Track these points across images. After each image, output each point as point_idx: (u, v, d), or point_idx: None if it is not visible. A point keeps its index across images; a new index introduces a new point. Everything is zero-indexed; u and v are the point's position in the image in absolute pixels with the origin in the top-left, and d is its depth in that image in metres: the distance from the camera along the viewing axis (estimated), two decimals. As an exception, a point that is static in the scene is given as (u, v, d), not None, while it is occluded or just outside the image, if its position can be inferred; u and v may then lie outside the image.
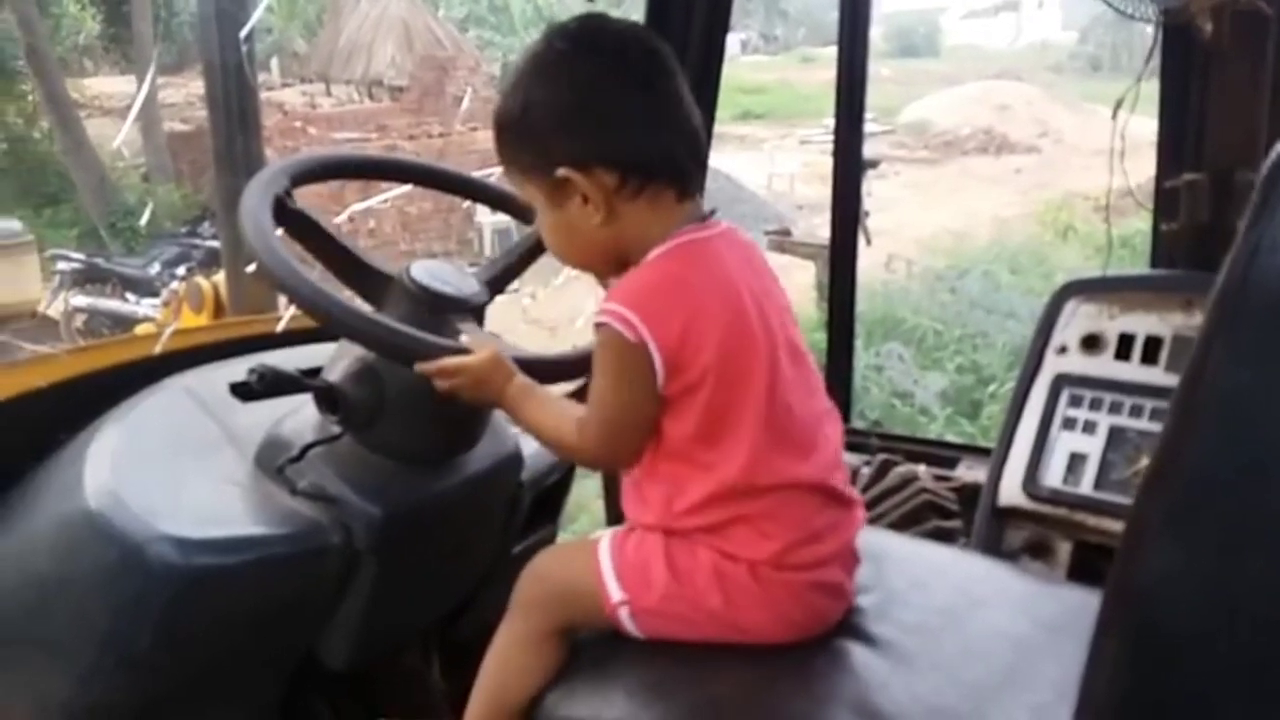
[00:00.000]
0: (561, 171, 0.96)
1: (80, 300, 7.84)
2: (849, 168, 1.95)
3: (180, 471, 1.17)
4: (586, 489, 2.32)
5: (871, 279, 6.36)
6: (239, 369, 1.33)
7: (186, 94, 12.67)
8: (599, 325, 0.95)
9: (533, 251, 1.28)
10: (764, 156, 13.01)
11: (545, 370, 1.11)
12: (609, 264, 1.03)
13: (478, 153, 11.57)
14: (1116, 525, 1.42)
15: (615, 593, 0.98)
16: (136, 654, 1.07)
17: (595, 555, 1.01)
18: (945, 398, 5.16)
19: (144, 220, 9.33)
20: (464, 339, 1.07)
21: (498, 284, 1.25)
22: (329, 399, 1.13)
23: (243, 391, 1.08)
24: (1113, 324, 1.51)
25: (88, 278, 8.01)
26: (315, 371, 1.17)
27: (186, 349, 1.40)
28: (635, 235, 0.98)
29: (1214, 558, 0.56)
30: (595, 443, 0.98)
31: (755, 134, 15.80)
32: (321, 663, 1.22)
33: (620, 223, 0.98)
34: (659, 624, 0.98)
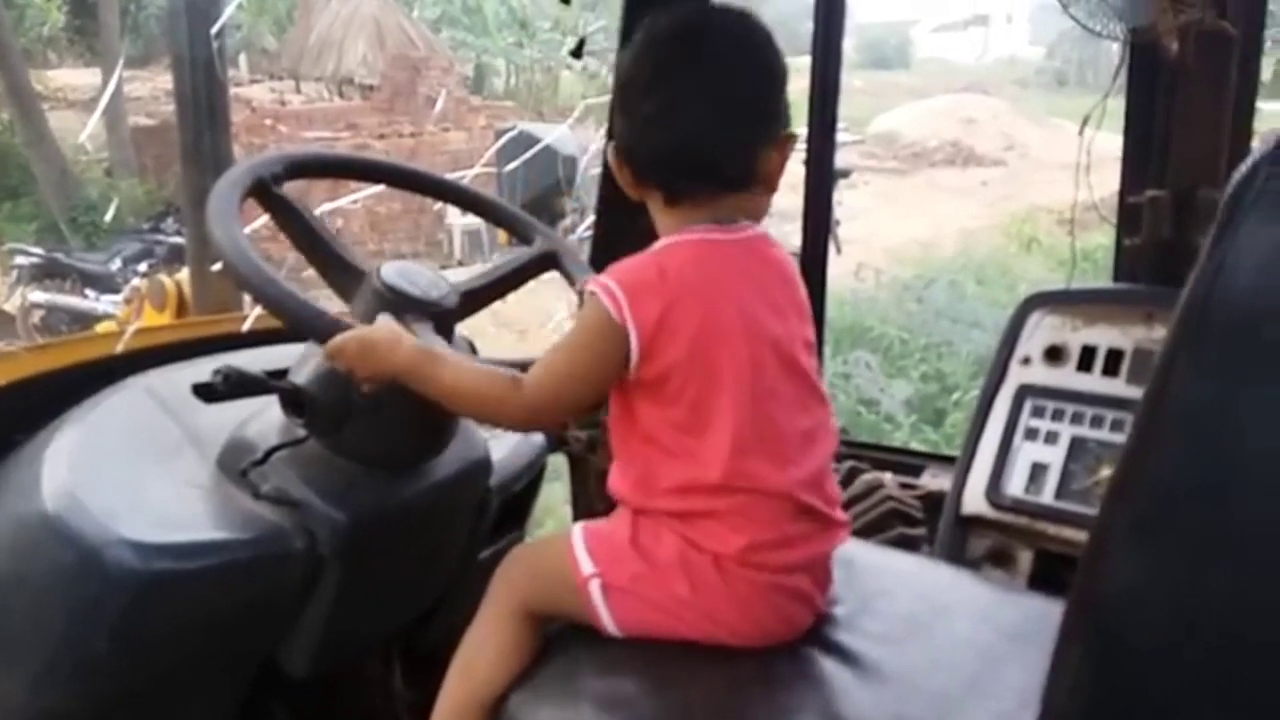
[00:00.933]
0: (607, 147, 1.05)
1: (38, 296, 7.70)
2: (821, 177, 1.96)
3: (140, 473, 1.15)
4: (554, 493, 2.32)
5: (840, 287, 6.41)
6: (203, 369, 1.32)
7: (153, 88, 12.50)
8: (589, 293, 0.97)
9: (520, 274, 1.28)
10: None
11: None
12: None
13: (449, 154, 11.52)
14: (1077, 534, 1.44)
15: (586, 565, 0.99)
16: (93, 658, 1.05)
17: (569, 536, 1.03)
18: (910, 405, 5.21)
19: (108, 215, 9.18)
20: (380, 319, 1.06)
21: (477, 297, 1.24)
22: (295, 401, 1.12)
23: (206, 393, 1.07)
24: (1075, 336, 1.54)
25: (47, 273, 7.87)
26: (282, 373, 1.16)
27: (149, 348, 1.38)
28: (656, 220, 1.04)
29: (1177, 570, 0.57)
30: (533, 397, 0.98)
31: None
32: (282, 669, 1.20)
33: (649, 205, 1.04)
34: (632, 608, 0.98)
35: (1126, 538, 0.60)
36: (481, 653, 1.03)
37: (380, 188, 1.47)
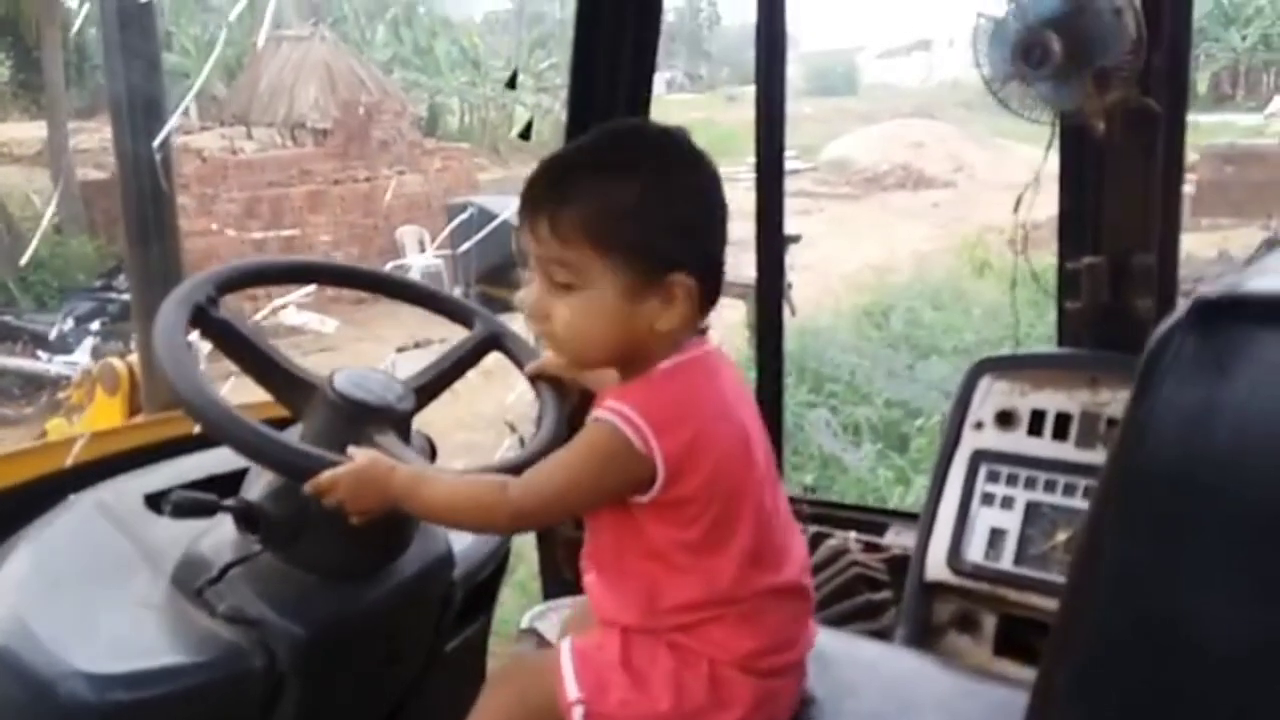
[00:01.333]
0: (676, 276, 0.97)
1: (-11, 359, 7.55)
2: (771, 204, 1.91)
3: (93, 597, 1.14)
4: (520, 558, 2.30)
5: (800, 317, 6.48)
6: (155, 478, 1.31)
7: (100, 139, 12.34)
8: (599, 420, 0.96)
9: (466, 359, 1.28)
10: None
11: None
12: (622, 359, 1.03)
13: (405, 197, 11.51)
14: (1039, 600, 1.46)
15: (573, 690, 0.99)
16: None
17: (557, 656, 1.03)
18: (875, 431, 5.26)
19: (24, 260, 9.00)
20: (351, 450, 1.05)
21: (429, 391, 1.24)
22: (248, 518, 1.11)
23: (158, 509, 1.06)
24: (1024, 400, 1.57)
25: (-2, 335, 7.72)
26: (237, 476, 1.14)
27: (100, 458, 1.36)
28: (667, 339, 1.01)
29: None
30: (520, 503, 0.99)
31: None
32: None
33: (669, 327, 1.00)
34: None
35: (1068, 690, 0.61)
36: None
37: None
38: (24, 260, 8.63)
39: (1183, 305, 0.57)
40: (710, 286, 1.00)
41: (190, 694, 1.05)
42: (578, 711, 0.99)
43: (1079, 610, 0.62)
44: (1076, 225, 1.59)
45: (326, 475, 1.00)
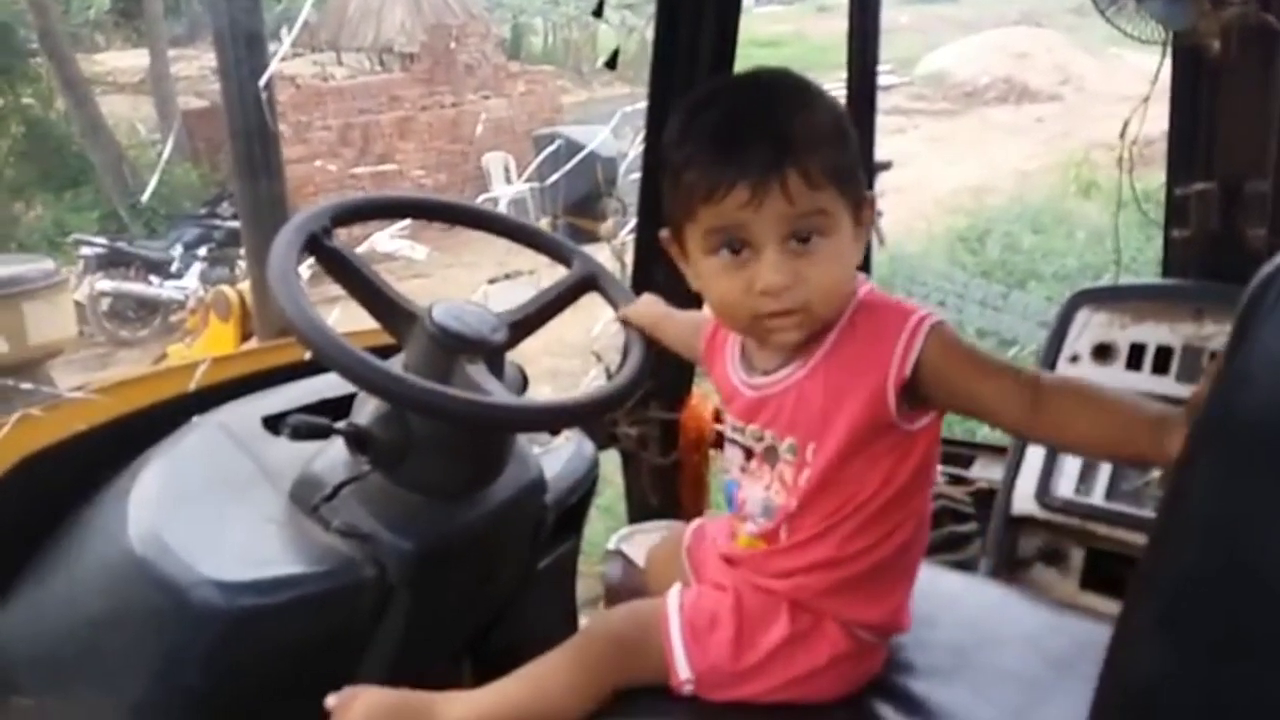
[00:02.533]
0: (869, 198, 0.97)
1: (105, 284, 7.94)
2: (862, 126, 1.84)
3: (220, 511, 1.22)
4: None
5: (890, 243, 6.31)
6: (272, 401, 1.39)
7: (199, 66, 12.63)
8: (940, 322, 0.94)
9: (563, 297, 1.31)
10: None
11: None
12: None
13: (491, 123, 11.53)
14: (1129, 535, 1.45)
15: (683, 670, 0.99)
16: (186, 690, 1.12)
17: (665, 624, 1.01)
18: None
19: (146, 195, 9.34)
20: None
21: (524, 326, 1.28)
22: (358, 441, 1.17)
23: (276, 430, 1.13)
24: (1124, 334, 1.52)
25: (111, 261, 8.09)
26: (347, 399, 1.21)
27: (220, 382, 1.44)
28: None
29: (1198, 667, 0.58)
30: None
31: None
32: (359, 683, 1.27)
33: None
34: (720, 693, 1.00)
35: (1150, 630, 0.62)
36: (550, 700, 1.03)
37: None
38: (146, 195, 8.96)
39: None
40: None
41: (310, 601, 1.13)
42: (687, 689, 1.00)
43: (1166, 549, 0.62)
44: (1187, 150, 1.52)
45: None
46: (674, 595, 1.04)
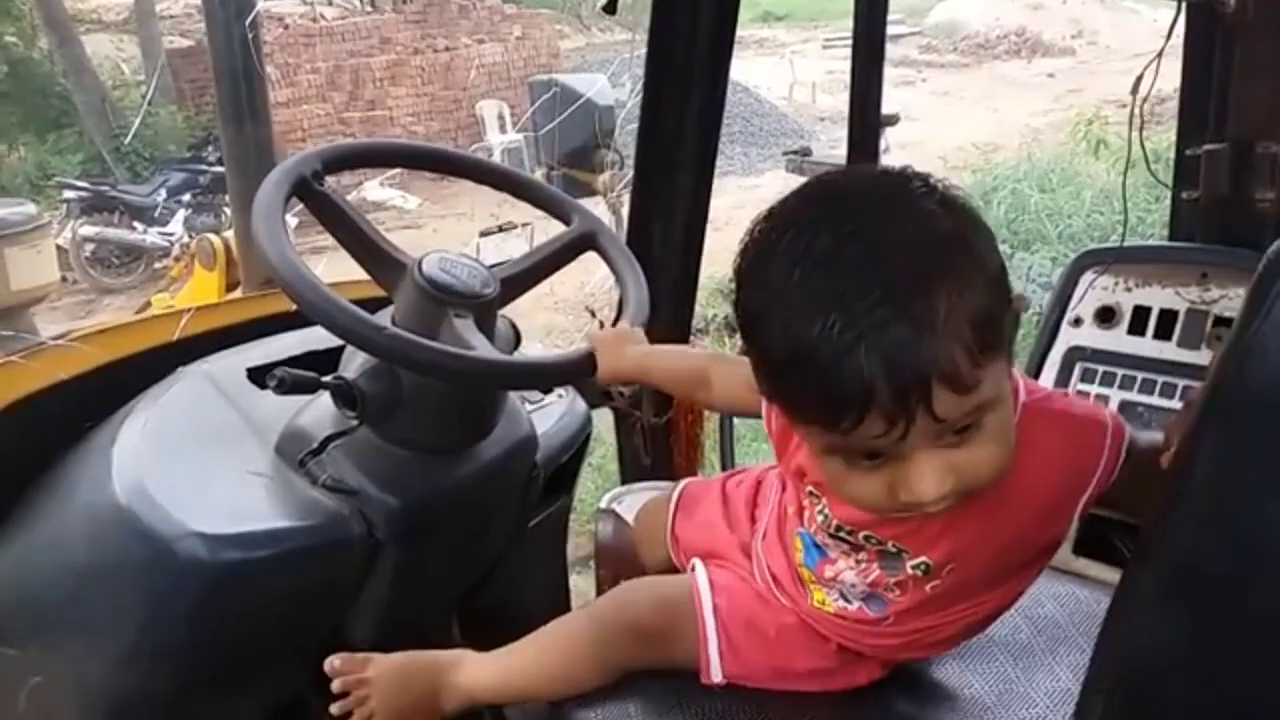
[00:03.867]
0: (1016, 305, 0.76)
1: (88, 230, 7.84)
2: (867, 79, 1.76)
3: (205, 463, 1.20)
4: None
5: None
6: (258, 352, 1.36)
7: (184, 4, 12.37)
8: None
9: (560, 255, 1.28)
10: (785, 64, 12.69)
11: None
12: None
13: (485, 68, 11.35)
14: (1123, 500, 1.44)
15: (716, 674, 0.96)
16: (172, 643, 1.12)
17: (701, 625, 0.97)
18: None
19: (128, 138, 9.19)
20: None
21: (518, 283, 1.24)
22: (346, 395, 1.15)
23: (262, 382, 1.11)
24: (1128, 296, 1.51)
25: (94, 206, 8.00)
26: (335, 351, 1.18)
27: (204, 332, 1.41)
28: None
29: (1196, 640, 0.57)
30: None
31: (776, 37, 15.35)
32: (347, 639, 1.26)
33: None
34: (743, 680, 0.98)
35: (1149, 600, 0.61)
36: (562, 668, 1.01)
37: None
38: (129, 138, 8.81)
39: None
40: None
41: (297, 555, 1.12)
42: (716, 684, 0.97)
43: (1170, 520, 0.61)
44: (1199, 110, 1.49)
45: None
46: (705, 588, 0.98)
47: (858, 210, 0.73)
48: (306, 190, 1.14)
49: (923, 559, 0.86)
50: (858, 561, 0.91)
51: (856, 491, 0.76)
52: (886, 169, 0.81)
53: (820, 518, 0.91)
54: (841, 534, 0.90)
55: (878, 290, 0.67)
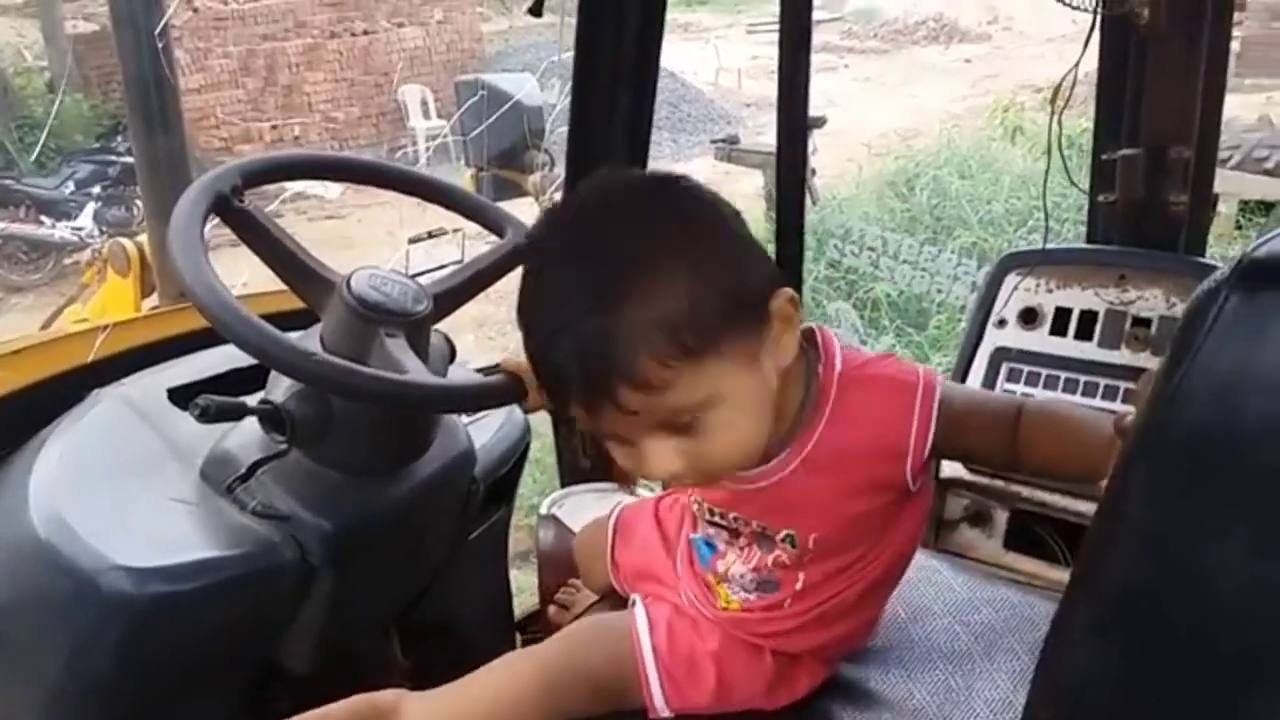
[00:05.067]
0: (777, 303, 0.81)
1: (-6, 226, 7.50)
2: (796, 64, 1.78)
3: (127, 491, 1.15)
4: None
5: (821, 188, 6.31)
6: (178, 371, 1.31)
7: (89, -15, 11.85)
8: (941, 383, 0.88)
9: (496, 268, 1.25)
10: (710, 49, 12.73)
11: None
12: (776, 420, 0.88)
13: (404, 53, 11.12)
14: (1049, 496, 1.49)
15: (662, 709, 0.96)
16: (99, 681, 1.07)
17: (641, 667, 0.97)
18: (895, 307, 5.22)
19: (35, 137, 8.79)
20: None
21: (450, 298, 1.22)
22: (275, 420, 1.11)
23: (183, 405, 1.08)
24: (1050, 298, 1.55)
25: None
26: (260, 369, 1.15)
27: (121, 352, 1.36)
28: (790, 367, 0.85)
29: (1130, 671, 0.59)
30: None
31: (700, 21, 15.38)
32: (282, 667, 1.24)
33: (792, 350, 0.85)
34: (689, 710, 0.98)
35: (1084, 631, 0.63)
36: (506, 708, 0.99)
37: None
38: (43, 133, 8.37)
39: (1226, 266, 0.55)
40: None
41: (227, 585, 1.08)
42: (648, 658, 0.98)
43: (1103, 554, 0.63)
44: (1113, 116, 1.53)
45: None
46: (643, 627, 0.99)
47: (588, 214, 0.83)
48: (226, 207, 1.10)
49: (784, 530, 0.91)
50: (740, 549, 0.96)
51: (629, 465, 0.84)
52: (653, 173, 0.91)
53: (695, 505, 0.99)
54: (716, 518, 0.96)
55: (582, 291, 0.76)
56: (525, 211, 1.37)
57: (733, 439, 0.81)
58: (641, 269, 0.76)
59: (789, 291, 0.82)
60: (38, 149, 8.65)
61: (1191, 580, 0.55)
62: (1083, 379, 1.51)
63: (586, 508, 1.54)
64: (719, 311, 0.77)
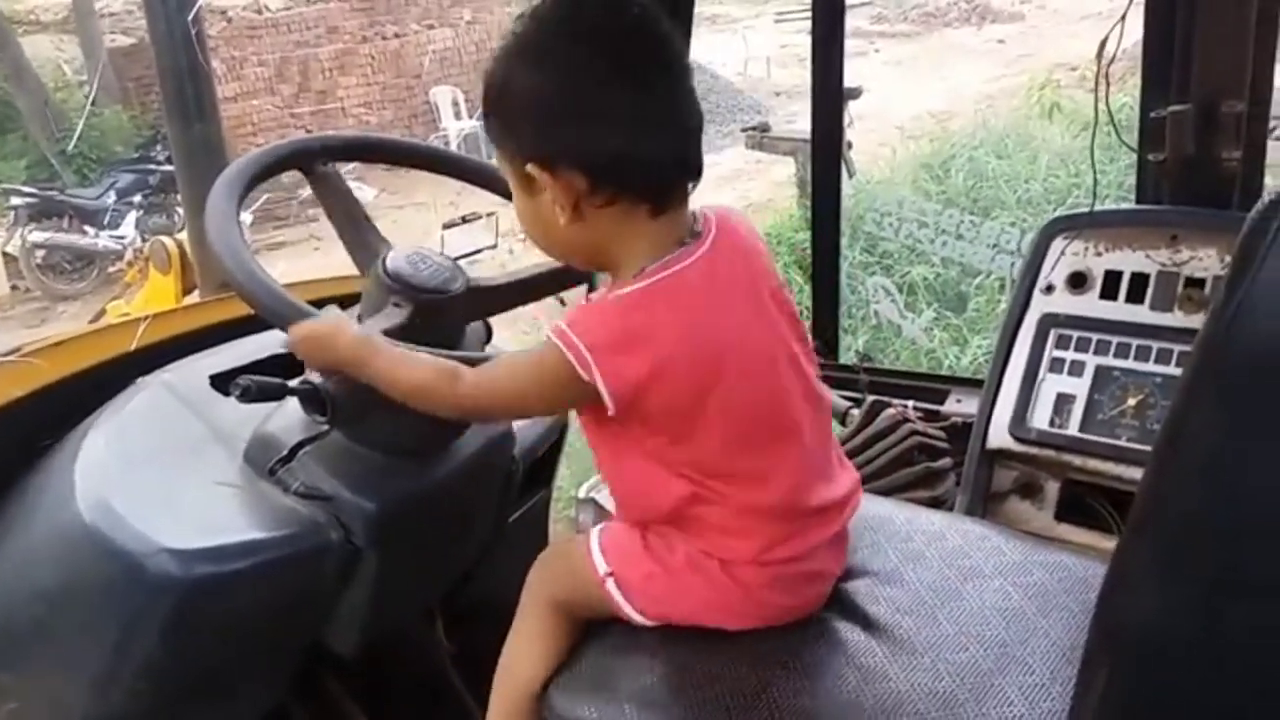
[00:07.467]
0: (529, 168, 0.90)
1: (38, 236, 7.66)
2: (828, 52, 1.75)
3: (172, 475, 1.16)
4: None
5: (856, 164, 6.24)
6: (219, 359, 1.32)
7: (124, 1, 12.06)
8: (549, 340, 0.90)
9: (542, 282, 1.23)
10: (738, 39, 12.68)
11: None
12: (586, 261, 0.99)
13: (435, 54, 11.18)
14: (1103, 465, 1.45)
15: (601, 565, 1.01)
16: (148, 662, 1.08)
17: (587, 538, 1.04)
18: (931, 290, 5.15)
19: (73, 142, 8.97)
20: (326, 310, 1.06)
21: (489, 295, 1.20)
22: (315, 399, 1.11)
23: (224, 390, 1.08)
24: (1099, 261, 1.50)
25: (43, 212, 7.80)
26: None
27: (162, 340, 1.37)
28: (610, 243, 0.93)
29: (1195, 608, 0.57)
30: (465, 398, 0.96)
31: (728, 13, 15.31)
32: (328, 648, 1.24)
33: (591, 227, 0.91)
34: (651, 601, 1.00)
35: (1146, 571, 0.60)
36: (522, 651, 1.05)
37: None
38: (73, 142, 8.58)
39: None
40: (614, 180, 0.89)
41: (273, 566, 1.09)
42: (610, 583, 1.00)
43: (1161, 490, 0.60)
44: (1162, 71, 1.48)
45: (295, 328, 1.01)
46: (595, 544, 1.03)
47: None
48: (311, 167, 1.20)
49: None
50: None
51: None
52: None
53: None
54: None
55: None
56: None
57: (528, 230, 0.98)
58: (516, 57, 0.91)
59: (534, 172, 0.90)
60: (75, 159, 8.84)
61: (1258, 506, 0.52)
62: (1135, 343, 1.46)
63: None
64: (503, 126, 0.93)
